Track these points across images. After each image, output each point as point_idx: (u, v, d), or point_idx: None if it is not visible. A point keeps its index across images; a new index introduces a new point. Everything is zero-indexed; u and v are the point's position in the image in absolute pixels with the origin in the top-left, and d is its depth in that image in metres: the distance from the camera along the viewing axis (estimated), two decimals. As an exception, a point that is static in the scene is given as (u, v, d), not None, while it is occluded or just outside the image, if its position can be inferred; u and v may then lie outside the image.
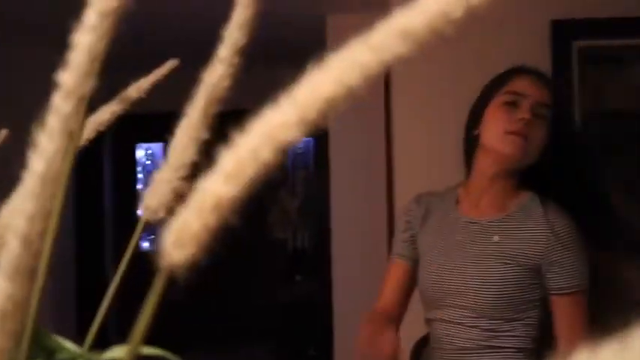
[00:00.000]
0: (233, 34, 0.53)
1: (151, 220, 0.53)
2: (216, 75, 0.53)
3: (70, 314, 5.10)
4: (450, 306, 1.89)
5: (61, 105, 0.34)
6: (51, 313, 4.53)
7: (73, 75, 0.34)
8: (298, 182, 6.42)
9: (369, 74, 0.32)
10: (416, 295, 2.05)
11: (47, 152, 0.34)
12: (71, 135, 0.35)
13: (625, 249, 2.14)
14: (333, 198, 4.35)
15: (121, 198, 6.42)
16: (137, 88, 0.70)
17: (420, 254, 1.99)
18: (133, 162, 6.58)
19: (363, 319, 1.84)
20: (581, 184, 1.97)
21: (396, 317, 2.00)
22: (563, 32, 3.42)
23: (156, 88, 0.72)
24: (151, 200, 0.52)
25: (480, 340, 1.84)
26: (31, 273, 0.32)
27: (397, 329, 1.92)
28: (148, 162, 6.65)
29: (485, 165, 1.92)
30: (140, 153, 6.64)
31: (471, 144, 1.97)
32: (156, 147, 6.60)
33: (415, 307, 2.08)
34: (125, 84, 0.71)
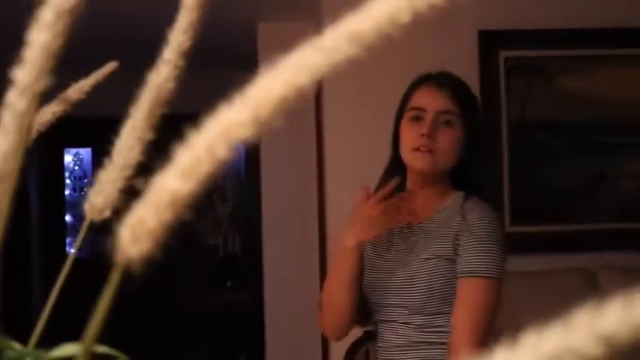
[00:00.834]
0: (178, 37, 0.54)
1: (97, 220, 0.53)
2: (161, 76, 0.54)
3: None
4: (385, 306, 1.96)
5: (15, 102, 0.34)
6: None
7: (27, 72, 0.34)
8: (229, 189, 6.40)
9: (319, 75, 0.34)
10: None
11: (2, 149, 0.34)
12: (24, 132, 0.35)
13: None
14: (264, 204, 4.36)
15: (47, 203, 6.29)
16: (78, 90, 0.70)
17: (363, 262, 2.04)
18: (61, 167, 6.46)
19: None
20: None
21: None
22: (490, 42, 3.51)
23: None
24: (96, 199, 0.52)
25: (413, 337, 1.89)
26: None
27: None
28: (76, 167, 6.54)
29: (411, 175, 2.00)
30: (68, 158, 6.52)
31: (399, 157, 2.02)
32: (84, 152, 6.49)
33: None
34: (60, 84, 0.71)
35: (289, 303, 4.25)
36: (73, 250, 0.54)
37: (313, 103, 3.90)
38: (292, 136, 4.14)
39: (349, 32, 0.33)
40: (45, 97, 0.59)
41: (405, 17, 0.32)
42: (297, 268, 4.24)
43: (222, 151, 0.33)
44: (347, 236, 1.94)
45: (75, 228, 6.55)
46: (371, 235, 1.92)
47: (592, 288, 3.12)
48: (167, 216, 0.34)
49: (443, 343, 1.87)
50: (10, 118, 0.34)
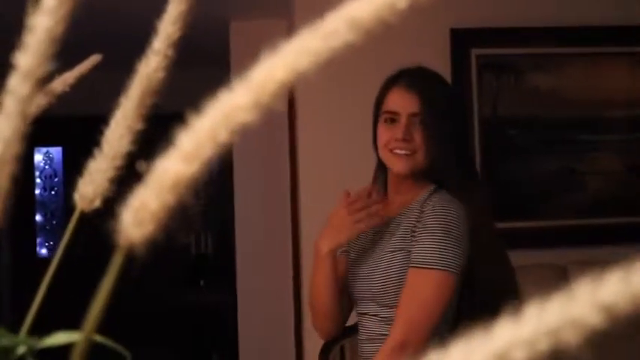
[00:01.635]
0: (167, 27, 0.54)
1: (87, 210, 0.53)
2: (150, 66, 0.54)
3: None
4: (360, 299, 2.02)
5: (18, 87, 0.35)
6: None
7: (30, 57, 0.35)
8: (201, 187, 6.37)
9: (319, 60, 0.34)
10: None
11: (4, 134, 0.34)
12: (26, 118, 0.35)
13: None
14: (237, 202, 4.35)
15: (17, 202, 6.21)
16: (62, 82, 0.70)
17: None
18: (31, 166, 6.39)
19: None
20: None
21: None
22: (462, 41, 3.54)
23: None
24: (86, 189, 0.52)
25: (380, 329, 1.93)
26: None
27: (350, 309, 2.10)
28: (47, 166, 6.47)
29: (390, 174, 2.05)
30: (38, 157, 6.45)
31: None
32: (55, 151, 6.43)
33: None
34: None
35: (262, 302, 4.25)
36: (64, 244, 0.54)
37: (286, 98, 3.90)
38: (265, 133, 4.14)
39: (349, 18, 0.34)
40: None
41: (402, 3, 0.33)
42: (270, 268, 4.24)
43: (223, 135, 0.34)
44: (321, 242, 1.98)
45: (45, 228, 6.48)
46: (343, 240, 1.96)
47: (563, 283, 3.15)
48: (169, 199, 0.34)
49: None
50: (12, 102, 0.35)
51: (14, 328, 0.48)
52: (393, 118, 1.96)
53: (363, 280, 1.99)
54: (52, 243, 6.43)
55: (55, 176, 6.48)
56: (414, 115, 1.94)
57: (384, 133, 1.97)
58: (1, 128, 0.34)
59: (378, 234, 2.03)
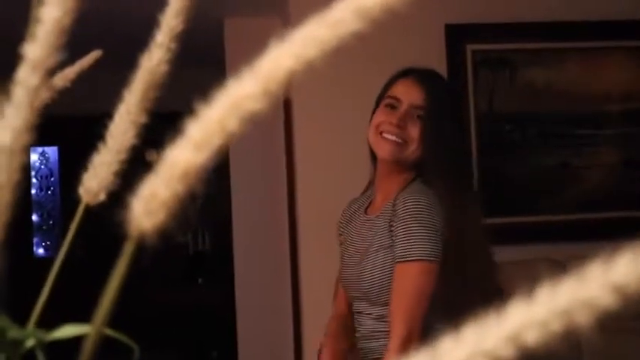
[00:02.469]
0: (170, 21, 0.55)
1: (92, 203, 0.53)
2: (153, 60, 0.54)
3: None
4: (354, 298, 2.04)
5: (27, 77, 0.35)
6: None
7: (39, 48, 0.35)
8: (197, 184, 6.37)
9: (327, 49, 0.35)
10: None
11: (14, 124, 0.35)
12: (35, 109, 0.36)
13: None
14: (234, 200, 4.34)
15: (14, 202, 6.21)
16: (63, 77, 0.70)
17: None
18: (27, 165, 6.38)
19: (327, 330, 2.14)
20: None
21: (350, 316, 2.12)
22: (456, 36, 3.54)
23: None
24: (91, 183, 0.52)
25: (373, 327, 1.96)
26: None
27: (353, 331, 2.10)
28: (43, 166, 6.47)
29: (378, 165, 2.04)
30: (34, 157, 6.44)
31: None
32: (50, 150, 6.42)
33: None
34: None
35: (261, 299, 4.25)
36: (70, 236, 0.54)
37: (282, 99, 3.90)
38: (261, 131, 4.13)
39: (356, 6, 0.34)
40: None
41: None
42: (269, 265, 4.24)
43: (233, 124, 0.34)
44: None
45: (42, 227, 6.47)
46: None
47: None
48: (179, 188, 0.34)
49: None
50: (21, 93, 0.35)
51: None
52: (393, 105, 1.97)
53: (354, 280, 2.00)
54: (48, 243, 6.42)
55: (51, 176, 6.47)
56: (415, 107, 1.95)
57: (380, 116, 1.98)
58: (10, 119, 0.34)
59: (365, 233, 2.02)
